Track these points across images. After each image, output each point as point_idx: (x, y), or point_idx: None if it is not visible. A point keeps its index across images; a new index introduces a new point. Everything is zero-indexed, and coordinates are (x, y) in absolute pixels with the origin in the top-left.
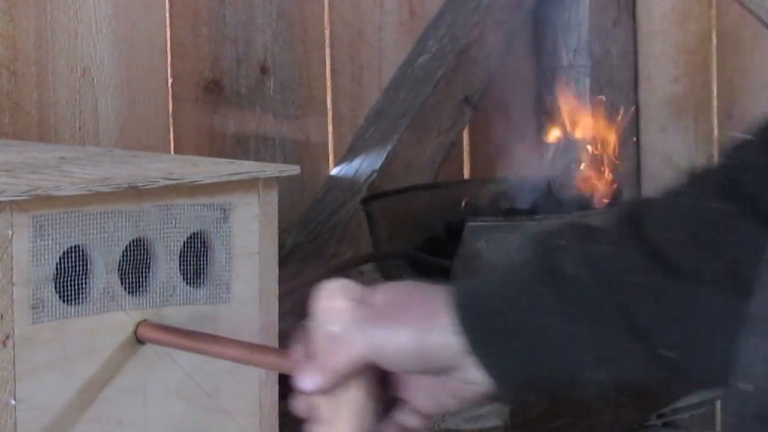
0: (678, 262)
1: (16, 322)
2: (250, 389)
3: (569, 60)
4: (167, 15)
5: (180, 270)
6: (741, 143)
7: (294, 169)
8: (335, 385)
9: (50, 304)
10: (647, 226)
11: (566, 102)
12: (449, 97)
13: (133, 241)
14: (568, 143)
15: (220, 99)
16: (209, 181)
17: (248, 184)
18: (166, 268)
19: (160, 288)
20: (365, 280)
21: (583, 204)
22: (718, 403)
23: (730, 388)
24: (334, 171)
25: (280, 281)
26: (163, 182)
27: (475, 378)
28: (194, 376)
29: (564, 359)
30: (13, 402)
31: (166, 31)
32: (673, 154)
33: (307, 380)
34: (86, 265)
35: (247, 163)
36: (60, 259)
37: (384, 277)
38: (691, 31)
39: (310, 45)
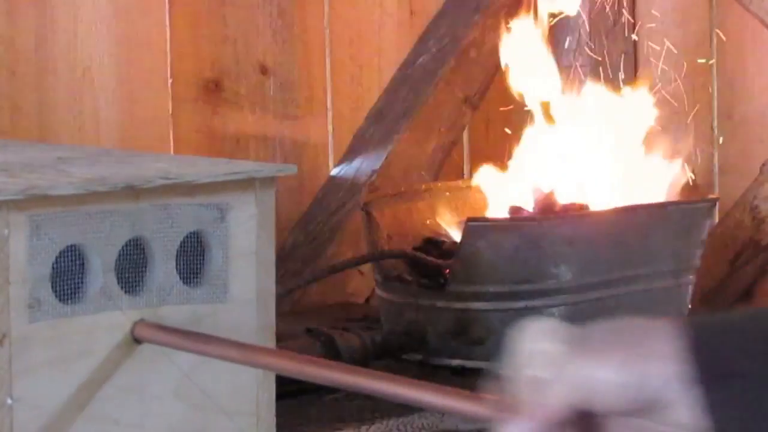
0: None
1: (12, 321)
2: (247, 389)
3: (569, 60)
4: (167, 15)
5: (177, 270)
6: None
7: (291, 169)
8: None
9: (47, 303)
10: None
11: None
12: (449, 97)
13: (130, 240)
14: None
15: (220, 99)
16: (206, 180)
17: (245, 184)
18: (163, 267)
19: (157, 287)
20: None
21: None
22: None
23: None
24: (334, 171)
25: (279, 281)
26: (159, 182)
27: (687, 417)
28: (191, 376)
29: None
30: (9, 401)
31: (166, 31)
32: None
33: (515, 430)
34: (83, 264)
35: (244, 162)
36: (57, 258)
37: (384, 277)
38: (691, 31)
39: (310, 45)
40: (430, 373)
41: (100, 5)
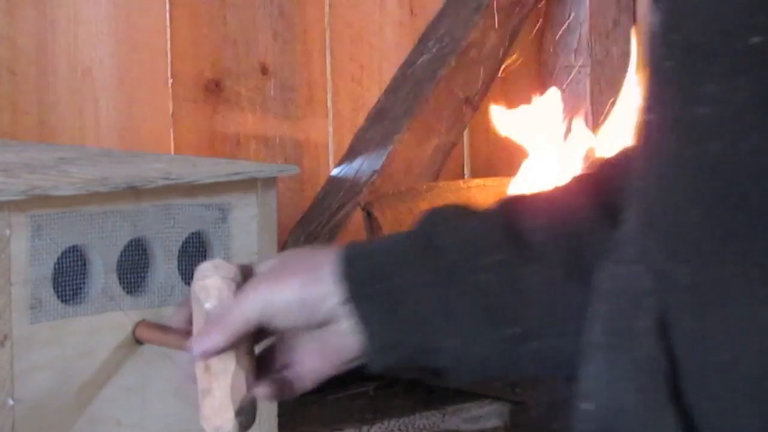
0: (534, 247)
1: (14, 322)
2: None
3: (569, 60)
4: (167, 15)
5: (179, 270)
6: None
7: (292, 169)
8: (228, 345)
9: (48, 304)
10: (517, 213)
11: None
12: (449, 97)
13: (132, 241)
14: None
15: (220, 99)
16: (208, 181)
17: (247, 184)
18: (164, 268)
19: (158, 288)
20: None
21: None
22: None
23: (573, 407)
24: (334, 171)
25: None
26: (161, 182)
27: (349, 330)
28: (193, 377)
29: (425, 325)
30: (11, 401)
31: (166, 31)
32: None
33: (202, 342)
34: (85, 265)
35: (245, 163)
36: (58, 259)
37: None
38: None
39: (310, 45)
40: (430, 373)
41: (100, 5)
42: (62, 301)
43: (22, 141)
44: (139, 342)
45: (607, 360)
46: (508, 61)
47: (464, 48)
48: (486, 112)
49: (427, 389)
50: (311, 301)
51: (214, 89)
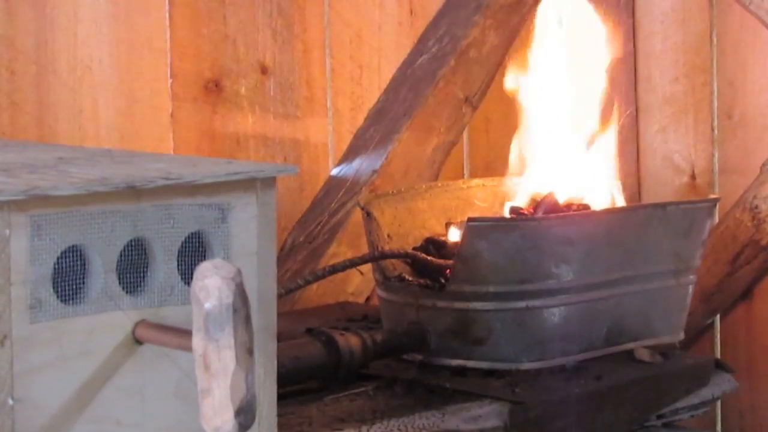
0: None
1: (14, 322)
2: None
3: None
4: (167, 15)
5: (178, 270)
6: None
7: (292, 169)
8: None
9: (48, 303)
10: None
11: None
12: (449, 97)
13: (132, 241)
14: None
15: (220, 99)
16: (207, 181)
17: (246, 184)
18: (164, 268)
19: (158, 288)
20: None
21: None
22: (719, 403)
23: None
24: (334, 171)
25: (279, 281)
26: (161, 182)
27: None
28: (192, 377)
29: None
30: (10, 401)
31: (166, 31)
32: (673, 154)
33: None
34: (84, 264)
35: (245, 162)
36: (58, 258)
37: (384, 277)
38: (691, 31)
39: (310, 45)
40: (430, 373)
41: (100, 5)
42: (62, 300)
43: (22, 141)
44: (138, 342)
45: None
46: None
47: (464, 48)
48: (486, 112)
49: (427, 389)
50: None
51: (214, 89)
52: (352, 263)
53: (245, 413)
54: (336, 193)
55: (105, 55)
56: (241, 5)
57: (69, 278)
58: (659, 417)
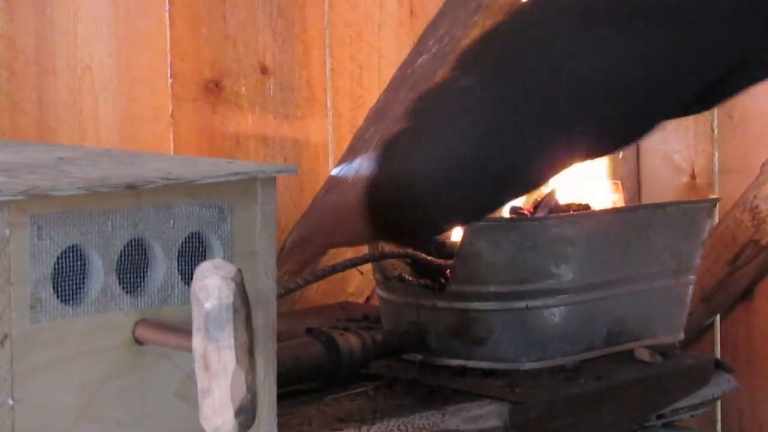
0: None
1: (13, 322)
2: None
3: None
4: (167, 15)
5: (178, 270)
6: None
7: (292, 169)
8: None
9: (48, 304)
10: None
11: None
12: None
13: (132, 241)
14: None
15: (220, 99)
16: (208, 181)
17: (247, 184)
18: (164, 268)
19: (158, 288)
20: None
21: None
22: (719, 403)
23: None
24: (334, 171)
25: (279, 281)
26: (161, 182)
27: None
28: (193, 377)
29: None
30: (11, 402)
31: (166, 31)
32: (673, 154)
33: None
34: (84, 265)
35: (245, 162)
36: (58, 258)
37: (384, 277)
38: None
39: (310, 45)
40: (430, 373)
41: (100, 5)
42: (62, 301)
43: (22, 141)
44: (139, 342)
45: None
46: None
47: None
48: None
49: (427, 389)
50: None
51: (214, 89)
52: (352, 263)
53: (245, 413)
54: None
55: (105, 55)
56: (241, 5)
57: (69, 278)
58: (659, 417)
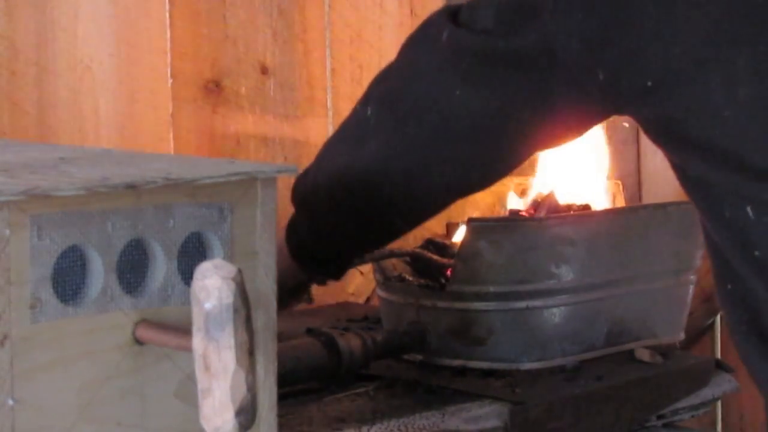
0: None
1: (13, 322)
2: None
3: None
4: (167, 15)
5: (179, 270)
6: None
7: (293, 169)
8: None
9: (48, 304)
10: None
11: None
12: None
13: (132, 241)
14: None
15: (220, 99)
16: (207, 181)
17: (247, 184)
18: (164, 268)
19: (158, 288)
20: None
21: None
22: (719, 404)
23: None
24: None
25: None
26: (161, 182)
27: None
28: (193, 377)
29: None
30: (10, 402)
31: (166, 31)
32: None
33: None
34: (84, 265)
35: (245, 162)
36: (58, 258)
37: (384, 277)
38: None
39: (310, 45)
40: (431, 373)
41: (100, 5)
42: (62, 301)
43: (22, 141)
44: (139, 342)
45: None
46: None
47: None
48: None
49: (428, 389)
50: None
51: (214, 89)
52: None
53: (245, 413)
54: None
55: (105, 55)
56: (241, 5)
57: (69, 278)
58: (659, 417)
